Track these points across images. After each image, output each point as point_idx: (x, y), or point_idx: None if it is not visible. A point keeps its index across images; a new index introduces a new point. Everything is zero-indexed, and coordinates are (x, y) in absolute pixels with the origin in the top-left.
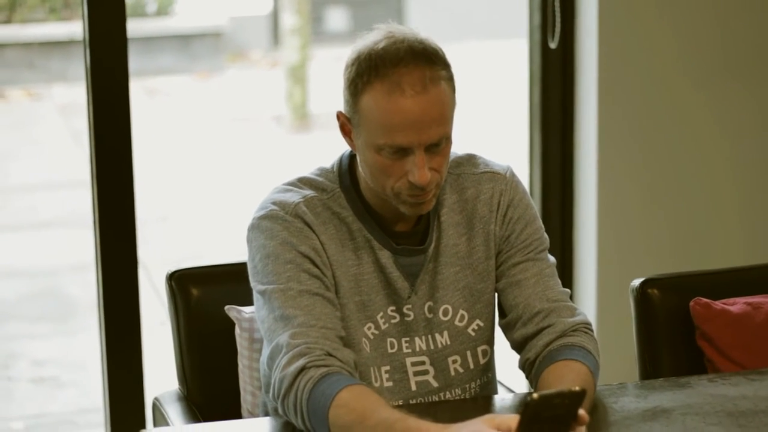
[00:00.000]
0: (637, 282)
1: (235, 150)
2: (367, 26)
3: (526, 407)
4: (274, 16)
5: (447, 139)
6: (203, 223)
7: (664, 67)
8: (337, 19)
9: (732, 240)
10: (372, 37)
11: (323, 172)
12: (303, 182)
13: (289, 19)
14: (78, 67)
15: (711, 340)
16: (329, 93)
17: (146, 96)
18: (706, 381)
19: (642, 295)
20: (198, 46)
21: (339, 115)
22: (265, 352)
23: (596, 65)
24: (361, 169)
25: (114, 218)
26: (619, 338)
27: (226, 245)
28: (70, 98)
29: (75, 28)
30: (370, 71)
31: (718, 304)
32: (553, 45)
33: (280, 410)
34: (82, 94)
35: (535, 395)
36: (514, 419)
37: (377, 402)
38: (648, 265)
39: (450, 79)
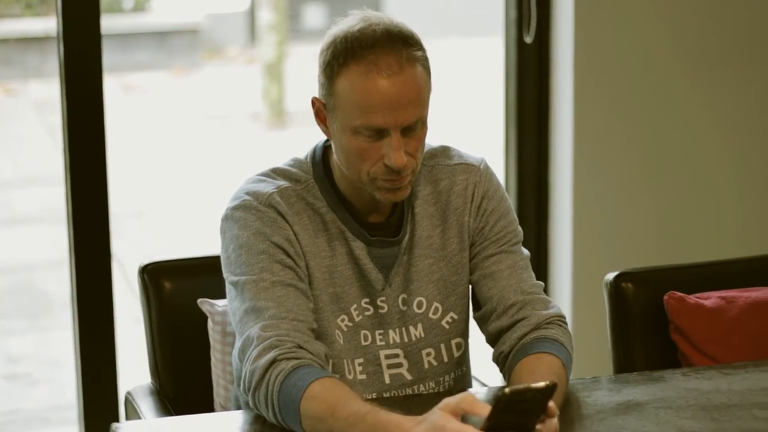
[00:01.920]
0: (611, 276)
1: (212, 147)
2: None
3: (497, 401)
4: (251, 13)
5: (422, 123)
6: (179, 219)
7: (640, 61)
8: (314, 15)
9: (706, 235)
10: (347, 22)
11: (297, 162)
12: (277, 173)
13: (266, 16)
14: (54, 62)
15: (685, 334)
16: (306, 90)
17: (122, 92)
18: (680, 375)
19: (616, 288)
20: (175, 42)
21: (314, 101)
22: (237, 344)
23: (572, 60)
24: (336, 157)
25: (87, 214)
26: (593, 332)
27: (202, 241)
28: (46, 94)
29: (51, 23)
30: (346, 53)
31: (692, 298)
32: (528, 40)
33: (250, 403)
34: (58, 91)
35: (506, 390)
36: (466, 400)
37: (348, 394)
38: (623, 260)
39: (426, 61)
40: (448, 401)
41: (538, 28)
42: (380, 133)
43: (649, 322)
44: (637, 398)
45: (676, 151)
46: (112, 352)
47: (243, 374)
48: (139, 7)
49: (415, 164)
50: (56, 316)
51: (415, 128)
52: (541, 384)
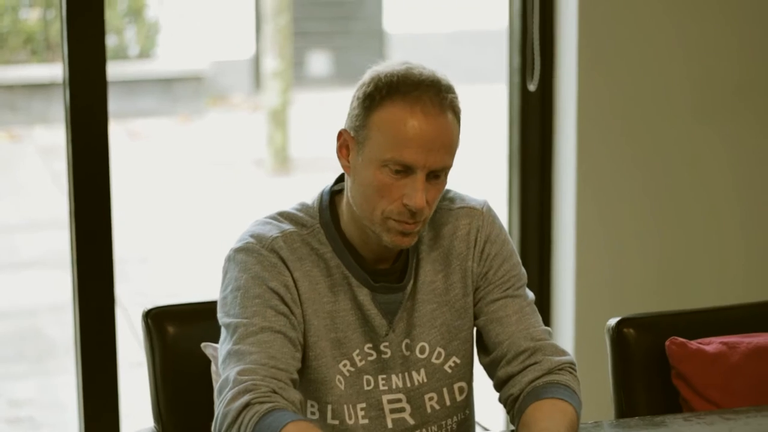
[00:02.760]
0: (613, 321)
1: (216, 193)
2: (349, 71)
3: None
4: (256, 61)
5: (446, 173)
6: (184, 265)
7: (643, 110)
8: (319, 63)
9: (710, 280)
10: (390, 64)
11: (304, 207)
12: (283, 216)
13: (270, 63)
14: (59, 109)
15: (686, 380)
16: (310, 137)
17: (128, 138)
18: (682, 420)
19: (618, 334)
20: (179, 89)
21: (342, 133)
22: (216, 385)
23: (575, 107)
24: (350, 195)
25: (92, 258)
26: (594, 377)
27: (206, 286)
28: (51, 140)
29: (57, 70)
30: (390, 87)
31: (694, 344)
32: (532, 87)
33: None
34: (63, 136)
35: None
36: None
37: None
38: (625, 305)
39: (460, 113)
40: None
41: (541, 76)
42: (406, 171)
43: (650, 367)
44: None
45: (679, 197)
46: (115, 396)
47: (216, 415)
48: (144, 54)
49: (428, 213)
50: (59, 361)
51: (439, 176)
52: None
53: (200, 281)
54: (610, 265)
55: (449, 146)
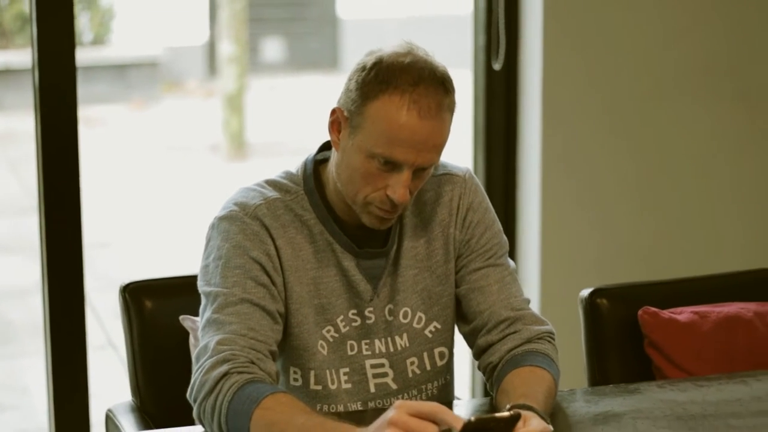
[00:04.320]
0: (585, 292)
1: (173, 179)
2: (303, 57)
3: (463, 428)
4: (210, 46)
5: (432, 167)
6: (144, 249)
7: (607, 87)
8: (273, 49)
9: (671, 254)
10: (395, 49)
11: (288, 174)
12: (268, 183)
13: (226, 48)
14: (14, 96)
15: (659, 348)
16: (266, 122)
17: (83, 125)
18: (656, 387)
19: (591, 305)
20: (134, 75)
21: (335, 111)
22: (195, 351)
23: (540, 86)
24: (334, 170)
25: (61, 241)
26: (562, 349)
27: (166, 270)
28: (6, 127)
29: (10, 57)
30: (389, 80)
31: (666, 313)
32: (497, 67)
33: (195, 412)
34: (19, 123)
35: (472, 418)
36: (424, 404)
37: (305, 407)
38: (589, 279)
39: (454, 111)
40: (403, 401)
41: (506, 55)
42: (393, 166)
43: (623, 337)
44: (615, 409)
45: (644, 173)
46: (85, 377)
47: (193, 382)
48: (99, 40)
49: (410, 200)
50: (23, 344)
51: (425, 169)
52: (506, 414)
53: (161, 265)
54: (575, 241)
55: (439, 146)
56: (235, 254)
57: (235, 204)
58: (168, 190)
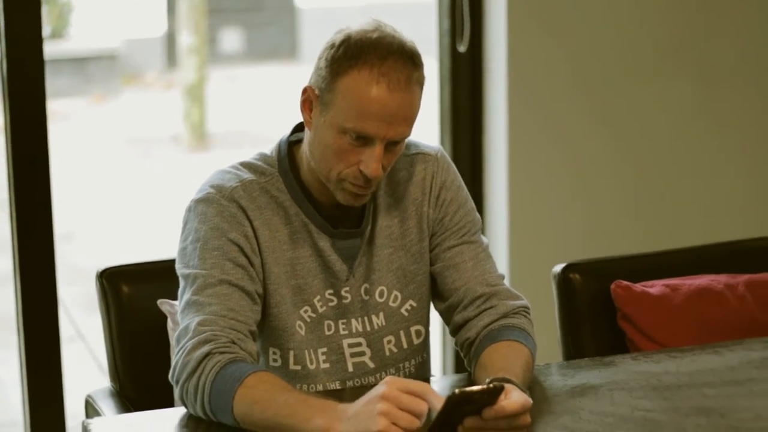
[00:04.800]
0: (558, 267)
1: (135, 170)
2: (261, 48)
3: (447, 401)
4: (168, 38)
5: (403, 141)
6: (109, 241)
7: (572, 68)
8: (231, 40)
9: (634, 231)
10: (363, 26)
11: (262, 156)
12: (243, 165)
13: (186, 39)
14: None
15: (632, 321)
16: (226, 113)
17: None
18: (630, 359)
19: (564, 279)
20: (93, 68)
21: (306, 90)
22: (175, 333)
23: (505, 68)
24: (306, 149)
25: (32, 235)
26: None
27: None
28: None
29: None
30: (358, 55)
31: (638, 287)
32: (462, 49)
33: (177, 393)
34: None
35: (456, 390)
36: (414, 382)
37: (287, 385)
38: (556, 257)
39: (424, 85)
40: (394, 377)
41: (471, 38)
42: (366, 140)
43: (596, 310)
44: (591, 381)
45: (608, 152)
46: (59, 369)
47: (174, 363)
48: (57, 34)
49: (383, 175)
50: None
51: (397, 143)
52: (489, 386)
53: (127, 255)
54: (541, 220)
55: (410, 119)
56: (213, 236)
57: (212, 186)
58: (131, 182)
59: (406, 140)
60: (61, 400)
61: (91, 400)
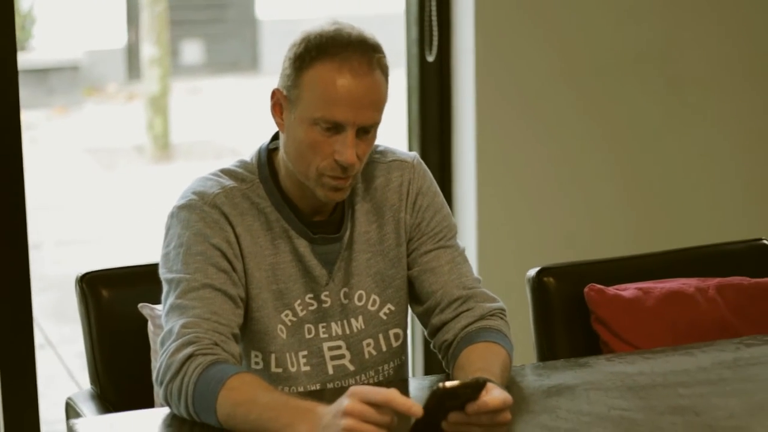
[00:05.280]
0: (533, 271)
1: (99, 181)
2: (221, 59)
3: (432, 396)
4: (129, 50)
5: (375, 129)
6: (75, 250)
7: (539, 77)
8: (192, 52)
9: (600, 233)
10: (320, 24)
11: (243, 163)
12: (224, 172)
13: (148, 50)
14: None
15: (605, 324)
16: (189, 124)
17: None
18: (605, 360)
19: (538, 283)
20: (55, 79)
21: (275, 92)
22: (159, 337)
23: (473, 76)
24: (284, 153)
25: (6, 242)
26: None
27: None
28: None
29: None
30: (319, 48)
31: (611, 290)
32: (430, 58)
33: (161, 395)
34: None
35: (440, 385)
36: (377, 392)
37: (269, 386)
38: (524, 264)
39: (388, 72)
40: (357, 387)
41: (439, 47)
42: (337, 129)
43: (570, 313)
44: (567, 382)
45: (572, 163)
46: (33, 375)
47: (158, 365)
48: (19, 45)
49: (360, 166)
50: None
51: (369, 131)
52: (472, 380)
53: (93, 264)
54: (510, 227)
55: (377, 103)
56: (196, 241)
57: (194, 193)
58: (95, 191)
59: (384, 148)
60: (35, 408)
61: (72, 403)
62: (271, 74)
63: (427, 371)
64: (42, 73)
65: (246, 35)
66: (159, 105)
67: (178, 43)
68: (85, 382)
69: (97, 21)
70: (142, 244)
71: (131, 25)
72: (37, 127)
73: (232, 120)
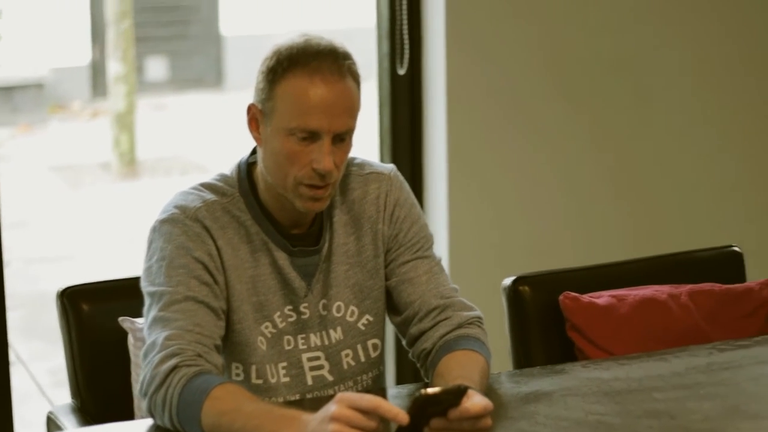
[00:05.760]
0: (508, 280)
1: (65, 198)
2: (186, 75)
3: (414, 402)
4: (93, 67)
5: (350, 136)
6: (43, 267)
7: (509, 88)
8: (156, 68)
9: (567, 244)
10: (290, 38)
11: (223, 177)
12: (205, 186)
13: (114, 67)
14: None
15: (580, 331)
16: (155, 140)
17: None
18: (580, 367)
19: (514, 291)
20: (20, 97)
21: (250, 107)
22: (142, 350)
23: (444, 89)
24: (262, 166)
25: None
26: None
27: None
28: None
29: None
30: (290, 59)
31: (586, 298)
32: (401, 71)
33: (144, 406)
34: None
35: (422, 391)
36: (364, 398)
37: (252, 396)
38: (496, 274)
39: (360, 79)
40: (345, 394)
41: (410, 60)
42: (312, 137)
43: (546, 321)
44: (544, 388)
45: (543, 174)
46: (8, 393)
47: (142, 377)
48: None
49: (338, 176)
50: None
51: (344, 139)
52: (457, 386)
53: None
54: (481, 238)
55: (351, 109)
56: (178, 254)
57: (176, 207)
58: (61, 208)
59: (361, 160)
60: (10, 423)
61: (53, 417)
62: (236, 90)
63: (399, 381)
64: (6, 91)
65: (210, 51)
66: (125, 122)
67: (143, 59)
68: (56, 398)
69: (62, 38)
70: (110, 260)
71: (95, 42)
72: (2, 145)
73: (197, 136)
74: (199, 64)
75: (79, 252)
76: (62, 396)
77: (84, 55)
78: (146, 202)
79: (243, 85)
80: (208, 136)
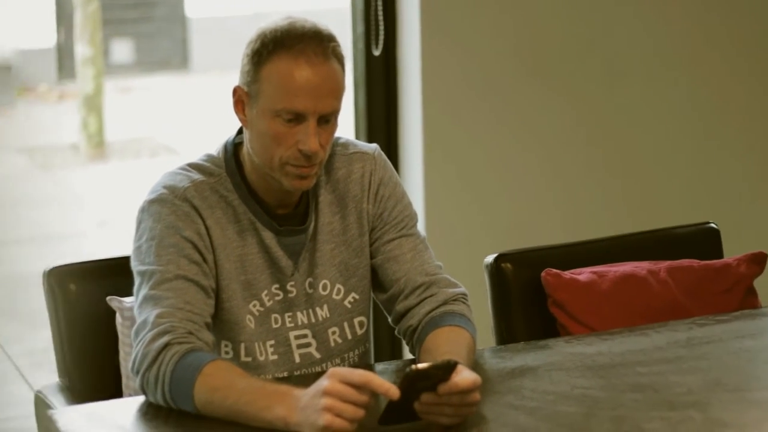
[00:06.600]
0: (491, 257)
1: (35, 179)
2: (151, 57)
3: (404, 378)
4: (59, 49)
5: (335, 117)
6: (11, 252)
7: (483, 70)
8: (121, 51)
9: (544, 223)
10: (275, 20)
11: (210, 158)
12: (192, 167)
13: (81, 50)
14: None
15: (562, 307)
16: (122, 122)
17: None
18: (563, 342)
19: (496, 269)
20: None
21: (236, 90)
22: (134, 328)
23: (419, 69)
24: (248, 147)
25: None
26: None
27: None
28: None
29: None
30: (275, 42)
31: (567, 274)
32: (376, 52)
33: (137, 383)
34: None
35: (412, 366)
36: (356, 373)
37: (244, 373)
38: (472, 251)
39: (344, 61)
40: (337, 369)
41: (385, 41)
42: (298, 119)
43: (528, 298)
44: (529, 363)
45: (518, 152)
46: None
47: (134, 355)
48: None
49: (323, 155)
50: None
51: (330, 120)
52: (446, 361)
53: (36, 263)
54: (457, 218)
55: (336, 91)
56: (167, 234)
57: (164, 187)
58: (32, 190)
59: (345, 140)
60: None
61: (41, 396)
62: (202, 71)
63: (378, 359)
64: None
65: (176, 33)
66: (93, 104)
67: (109, 42)
68: (35, 380)
69: (28, 21)
70: (81, 242)
71: (61, 24)
72: None
73: (165, 118)
74: (164, 46)
75: (50, 234)
76: (41, 378)
77: (50, 38)
78: (116, 183)
79: (209, 67)
80: (175, 118)
